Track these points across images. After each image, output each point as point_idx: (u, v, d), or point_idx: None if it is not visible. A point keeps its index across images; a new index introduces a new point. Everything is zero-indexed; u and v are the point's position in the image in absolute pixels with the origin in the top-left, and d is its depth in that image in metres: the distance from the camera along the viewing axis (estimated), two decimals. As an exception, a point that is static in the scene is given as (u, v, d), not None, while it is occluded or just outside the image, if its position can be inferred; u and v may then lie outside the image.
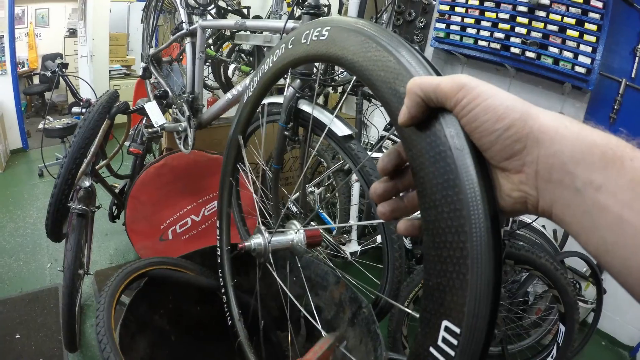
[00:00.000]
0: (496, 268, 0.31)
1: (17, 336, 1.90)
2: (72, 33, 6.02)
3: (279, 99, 1.11)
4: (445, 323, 0.33)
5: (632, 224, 0.25)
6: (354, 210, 1.71)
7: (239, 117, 0.88)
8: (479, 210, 0.32)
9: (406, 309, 0.55)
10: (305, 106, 1.06)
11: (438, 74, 0.39)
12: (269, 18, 2.49)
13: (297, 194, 1.27)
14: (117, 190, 2.32)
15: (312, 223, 1.37)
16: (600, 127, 0.29)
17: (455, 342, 0.32)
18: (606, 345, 2.35)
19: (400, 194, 0.43)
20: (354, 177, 1.70)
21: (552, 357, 1.82)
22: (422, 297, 0.37)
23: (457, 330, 0.32)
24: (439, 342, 0.34)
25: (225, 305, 1.19)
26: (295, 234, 0.79)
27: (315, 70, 1.12)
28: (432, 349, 0.34)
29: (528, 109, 0.31)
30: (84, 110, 2.00)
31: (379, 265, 1.15)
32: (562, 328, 1.75)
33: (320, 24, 0.54)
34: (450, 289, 0.33)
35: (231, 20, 1.52)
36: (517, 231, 1.75)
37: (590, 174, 0.27)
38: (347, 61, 0.47)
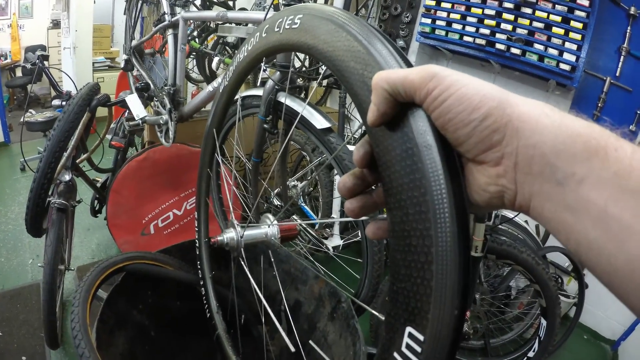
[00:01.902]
0: (463, 275, 0.30)
1: (-1, 334, 1.87)
2: (56, 24, 5.91)
3: (258, 92, 1.10)
4: (409, 329, 0.32)
5: (617, 218, 0.24)
6: (336, 204, 1.70)
7: (216, 108, 0.87)
8: (446, 213, 0.30)
9: (373, 311, 0.54)
10: (284, 99, 1.05)
11: (410, 66, 0.37)
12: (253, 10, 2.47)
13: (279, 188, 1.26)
14: (98, 185, 2.28)
15: (294, 217, 1.37)
16: (583, 115, 0.28)
17: (419, 349, 0.31)
18: (588, 339, 2.39)
19: (371, 188, 0.41)
20: (336, 170, 1.69)
21: (533, 351, 1.84)
22: (387, 300, 0.36)
23: (421, 337, 0.31)
24: (403, 349, 0.33)
25: (204, 298, 1.18)
26: (269, 227, 0.77)
27: (298, 62, 1.11)
28: (396, 355, 0.33)
29: (506, 97, 0.29)
30: (64, 103, 1.96)
31: (361, 260, 1.15)
32: (544, 322, 1.77)
33: (293, 11, 0.52)
34: (415, 295, 0.32)
35: (213, 12, 1.50)
36: (500, 226, 1.76)
37: (573, 165, 0.26)
38: (318, 51, 0.46)
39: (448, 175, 0.31)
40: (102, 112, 1.90)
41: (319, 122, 0.97)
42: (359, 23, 0.43)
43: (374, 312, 0.53)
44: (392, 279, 0.35)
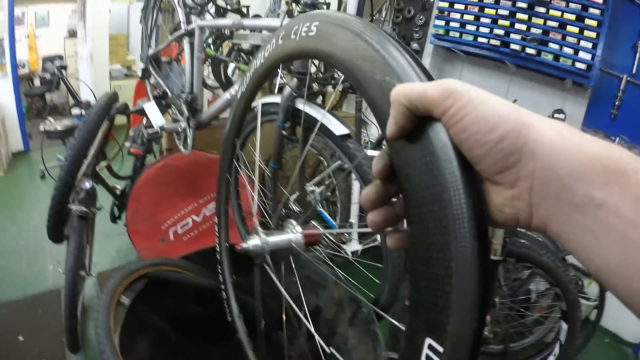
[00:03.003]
0: (482, 289, 0.30)
1: (20, 338, 1.90)
2: (73, 34, 6.02)
3: (276, 99, 1.11)
4: (428, 341, 0.33)
5: (637, 242, 0.24)
6: (354, 209, 1.70)
7: (234, 114, 0.88)
8: (466, 228, 0.30)
9: (393, 321, 0.54)
10: (303, 106, 1.06)
11: (430, 77, 0.37)
12: (267, 17, 2.50)
13: (297, 193, 1.27)
14: (118, 192, 2.31)
15: (312, 222, 1.37)
16: (601, 134, 0.27)
17: None
18: (610, 343, 2.34)
19: (393, 200, 0.40)
20: (356, 178, 1.69)
21: (554, 355, 1.81)
22: (408, 311, 0.36)
23: (441, 349, 0.32)
24: (423, 359, 0.33)
25: (225, 302, 1.19)
26: (293, 233, 0.78)
27: (313, 67, 1.11)
28: None
29: (523, 118, 0.29)
30: (83, 112, 2.01)
31: (380, 265, 1.15)
32: (565, 326, 1.74)
33: (309, 18, 0.52)
34: (435, 307, 0.32)
35: (228, 19, 1.52)
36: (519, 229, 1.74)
37: (591, 190, 0.25)
38: (336, 59, 0.46)
39: (468, 190, 0.30)
40: (120, 119, 1.93)
41: (338, 128, 0.97)
42: (376, 32, 0.42)
43: (393, 321, 0.53)
44: (412, 290, 0.35)
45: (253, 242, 0.79)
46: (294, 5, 1.28)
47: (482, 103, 0.29)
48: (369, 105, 0.40)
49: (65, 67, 2.84)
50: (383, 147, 2.17)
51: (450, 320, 0.31)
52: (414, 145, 0.33)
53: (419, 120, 0.33)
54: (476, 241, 0.30)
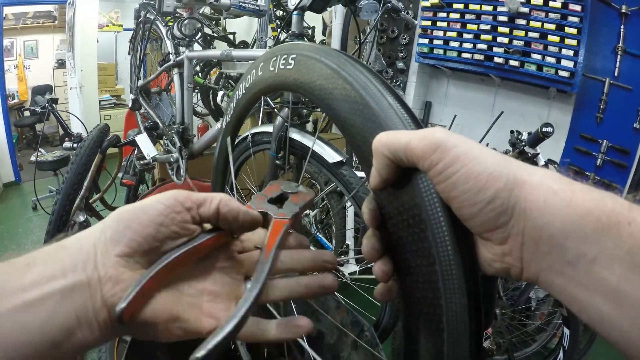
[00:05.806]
0: (474, 344, 0.30)
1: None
2: (61, 64, 6.05)
3: (268, 128, 1.12)
4: None
5: (630, 296, 0.24)
6: (350, 231, 1.71)
7: (221, 144, 0.88)
8: (455, 285, 0.30)
9: (381, 357, 0.54)
10: (295, 134, 1.07)
11: (416, 121, 0.36)
12: (254, 44, 2.52)
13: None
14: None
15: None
16: (591, 183, 0.27)
17: None
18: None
19: None
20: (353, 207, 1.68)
21: (559, 361, 1.82)
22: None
23: None
24: None
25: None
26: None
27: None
28: None
29: (514, 174, 0.28)
30: (75, 145, 2.01)
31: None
32: (567, 331, 1.74)
33: (286, 50, 0.50)
34: (428, 358, 0.32)
35: (217, 50, 1.54)
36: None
37: (583, 246, 0.25)
38: (314, 96, 0.44)
39: (457, 246, 0.30)
40: (110, 149, 1.93)
41: (331, 156, 0.98)
42: (355, 68, 0.41)
43: (381, 356, 0.53)
44: (405, 340, 0.34)
45: None
46: (281, 32, 1.30)
47: (472, 159, 0.28)
48: (352, 147, 0.39)
49: (55, 101, 2.85)
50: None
51: None
52: (400, 197, 0.32)
53: (405, 170, 0.32)
54: (466, 298, 0.30)
